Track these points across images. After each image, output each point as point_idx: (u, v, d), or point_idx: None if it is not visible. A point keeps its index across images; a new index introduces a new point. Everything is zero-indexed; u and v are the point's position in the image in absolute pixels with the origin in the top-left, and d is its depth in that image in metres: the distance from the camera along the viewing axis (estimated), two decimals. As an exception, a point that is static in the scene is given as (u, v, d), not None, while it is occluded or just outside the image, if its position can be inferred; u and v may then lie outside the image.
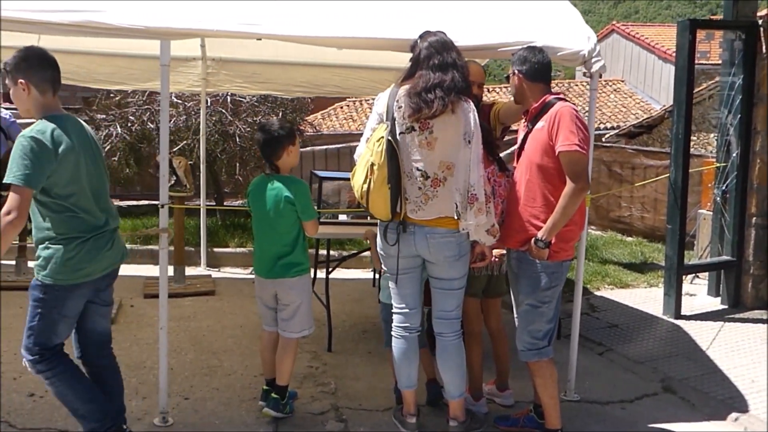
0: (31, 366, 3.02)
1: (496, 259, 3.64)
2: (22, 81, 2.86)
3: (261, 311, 3.78)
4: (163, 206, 3.52)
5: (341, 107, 21.89)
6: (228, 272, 6.90)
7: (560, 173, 3.20)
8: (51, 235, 2.88)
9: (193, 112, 7.41)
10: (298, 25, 3.50)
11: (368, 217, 4.98)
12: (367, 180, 3.21)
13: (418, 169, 3.20)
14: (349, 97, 20.01)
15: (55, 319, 2.97)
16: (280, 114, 7.86)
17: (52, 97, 2.93)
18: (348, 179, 5.13)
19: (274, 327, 3.73)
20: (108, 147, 7.41)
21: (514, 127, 4.58)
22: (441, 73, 3.15)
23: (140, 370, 4.24)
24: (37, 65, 2.89)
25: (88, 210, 2.93)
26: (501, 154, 3.80)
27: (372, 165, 3.19)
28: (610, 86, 22.61)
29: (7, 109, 7.99)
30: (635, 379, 4.47)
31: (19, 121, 7.52)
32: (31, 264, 6.08)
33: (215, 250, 7.13)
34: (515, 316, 3.49)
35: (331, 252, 5.10)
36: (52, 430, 3.50)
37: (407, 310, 3.41)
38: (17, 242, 6.12)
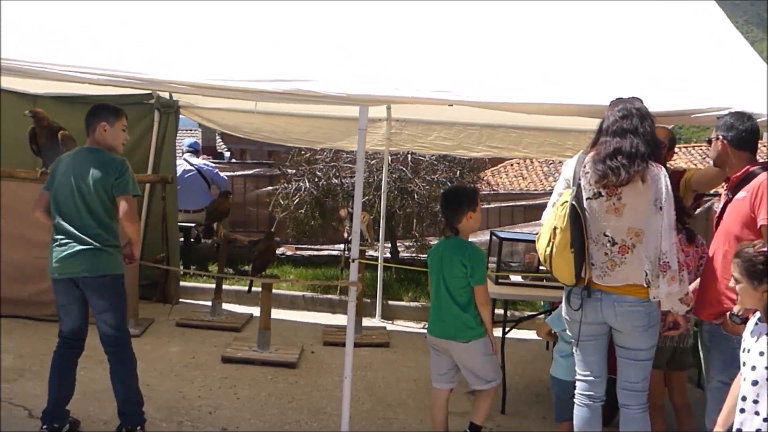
0: None
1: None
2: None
3: (432, 368, 3.88)
4: (354, 261, 3.73)
5: (511, 165, 21.93)
6: (401, 325, 7.05)
7: (762, 247, 3.04)
8: None
9: (375, 170, 7.75)
10: (489, 91, 3.62)
11: (544, 280, 4.94)
12: (550, 243, 3.24)
13: (605, 235, 3.18)
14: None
15: (57, 306, 3.77)
16: (458, 172, 8.03)
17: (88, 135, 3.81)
18: (527, 241, 5.16)
19: (444, 384, 3.82)
20: (296, 200, 7.93)
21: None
22: (619, 138, 3.13)
23: (321, 416, 4.44)
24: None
25: (60, 222, 3.66)
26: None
27: (555, 228, 3.21)
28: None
29: (212, 161, 8.88)
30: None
31: (223, 173, 8.33)
32: (225, 306, 6.63)
33: (390, 302, 7.33)
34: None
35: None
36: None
37: (592, 378, 3.34)
38: (214, 284, 6.67)
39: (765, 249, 2.60)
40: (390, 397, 4.88)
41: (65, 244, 3.65)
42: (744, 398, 2.60)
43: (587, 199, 3.20)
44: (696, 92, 3.67)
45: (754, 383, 2.56)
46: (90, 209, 3.64)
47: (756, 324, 2.67)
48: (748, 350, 2.65)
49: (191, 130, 22.77)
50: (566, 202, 3.20)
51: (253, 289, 6.35)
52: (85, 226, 3.64)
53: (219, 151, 22.78)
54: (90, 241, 3.64)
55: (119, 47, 3.65)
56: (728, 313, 3.10)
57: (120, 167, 3.68)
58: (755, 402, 2.55)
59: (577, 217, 3.16)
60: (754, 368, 2.57)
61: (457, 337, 3.66)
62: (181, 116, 7.00)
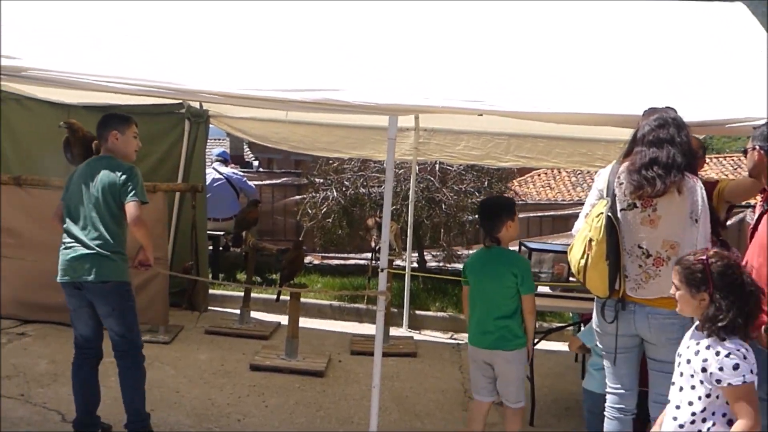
0: None
1: None
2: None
3: (473, 380, 3.84)
4: (382, 270, 3.72)
5: (539, 175, 21.79)
6: (428, 335, 7.02)
7: (797, 258, 2.98)
8: None
9: (402, 179, 7.75)
10: (520, 101, 3.60)
11: (574, 291, 4.89)
12: (585, 255, 3.20)
13: (639, 247, 3.14)
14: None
15: (69, 311, 3.81)
16: (486, 182, 7.99)
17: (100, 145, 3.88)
18: (557, 251, 5.12)
19: (485, 397, 3.77)
20: (324, 209, 7.96)
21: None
22: (656, 148, 3.09)
23: (348, 425, 4.43)
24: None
25: (69, 226, 3.72)
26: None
27: (590, 240, 3.17)
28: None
29: (240, 170, 8.94)
30: None
31: (252, 182, 8.38)
32: (253, 314, 6.65)
33: (417, 312, 7.31)
34: None
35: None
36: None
37: (623, 391, 3.30)
38: (243, 292, 6.71)
39: (703, 257, 2.57)
40: (417, 407, 4.85)
41: (70, 247, 3.69)
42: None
43: (622, 210, 3.17)
44: (731, 102, 3.62)
45: (680, 389, 2.58)
46: (97, 215, 3.66)
47: (693, 331, 2.65)
48: (680, 355, 2.65)
49: (219, 140, 23.00)
50: (601, 213, 3.16)
51: (281, 297, 6.37)
52: (90, 231, 3.67)
53: (246, 160, 22.99)
54: (94, 246, 3.65)
55: (151, 57, 3.70)
56: (763, 327, 3.04)
57: (128, 173, 3.67)
58: (677, 408, 2.57)
59: (612, 229, 3.12)
60: (681, 375, 2.59)
61: (503, 346, 3.62)
62: (210, 125, 7.07)
